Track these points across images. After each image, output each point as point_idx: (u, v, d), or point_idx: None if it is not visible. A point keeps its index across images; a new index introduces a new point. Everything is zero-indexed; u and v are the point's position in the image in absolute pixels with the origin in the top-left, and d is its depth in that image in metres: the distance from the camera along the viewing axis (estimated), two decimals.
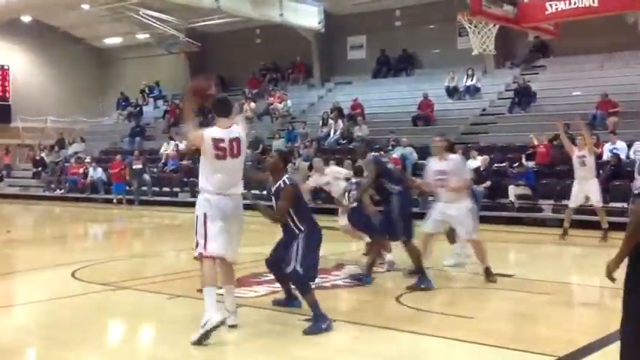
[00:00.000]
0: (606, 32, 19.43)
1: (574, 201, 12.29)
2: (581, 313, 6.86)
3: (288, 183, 6.04)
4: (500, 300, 7.57)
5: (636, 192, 4.08)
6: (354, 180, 9.21)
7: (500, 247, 10.94)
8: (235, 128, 5.80)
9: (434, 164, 8.17)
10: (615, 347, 5.26)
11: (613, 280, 3.72)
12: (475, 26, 9.31)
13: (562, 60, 21.42)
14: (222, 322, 5.53)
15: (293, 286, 6.37)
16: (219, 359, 5.43)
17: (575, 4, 8.53)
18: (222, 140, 5.66)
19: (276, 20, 23.84)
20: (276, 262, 6.33)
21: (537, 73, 21.62)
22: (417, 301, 7.21)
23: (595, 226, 13.22)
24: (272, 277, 7.73)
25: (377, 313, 6.68)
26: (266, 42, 27.90)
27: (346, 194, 9.29)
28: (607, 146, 15.81)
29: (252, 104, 25.83)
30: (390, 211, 7.74)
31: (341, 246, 10.37)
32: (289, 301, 6.63)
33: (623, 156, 15.57)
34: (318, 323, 5.78)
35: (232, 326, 5.84)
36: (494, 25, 9.38)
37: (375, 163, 8.08)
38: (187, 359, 5.30)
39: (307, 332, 5.74)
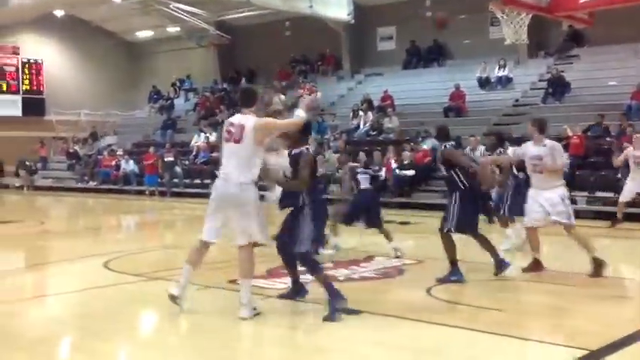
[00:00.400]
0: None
1: (626, 196, 12.61)
2: (615, 307, 6.72)
3: (309, 151, 6.11)
4: (532, 293, 7.47)
5: None
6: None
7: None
8: (249, 118, 5.92)
9: (530, 149, 8.06)
10: None
11: None
12: (507, 15, 9.15)
13: (596, 49, 21.01)
14: (174, 297, 5.98)
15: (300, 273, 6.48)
16: (241, 350, 5.45)
17: None
18: (233, 125, 5.95)
19: (306, 12, 23.79)
20: (284, 244, 6.28)
21: (572, 63, 21.26)
22: (448, 293, 7.17)
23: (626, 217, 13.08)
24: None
25: (405, 305, 6.63)
26: (295, 34, 27.87)
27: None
28: (638, 137, 15.43)
29: (282, 96, 25.81)
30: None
31: (369, 238, 10.32)
32: (295, 293, 6.58)
33: None
34: (333, 305, 5.80)
35: (242, 318, 5.84)
36: (527, 14, 9.19)
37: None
38: (212, 348, 5.31)
39: (326, 319, 5.75)
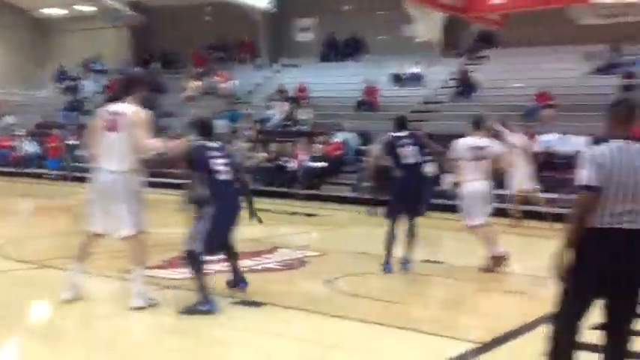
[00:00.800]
0: (547, 25, 19.78)
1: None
2: (508, 301, 6.96)
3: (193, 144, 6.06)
4: (430, 287, 7.64)
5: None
6: None
7: (433, 235, 11.01)
8: (127, 106, 5.84)
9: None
10: (539, 332, 5.40)
11: (560, 271, 3.73)
12: (422, 13, 9.27)
13: (505, 51, 21.67)
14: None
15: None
16: (133, 340, 5.29)
17: None
18: (112, 113, 5.87)
19: None
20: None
21: (481, 64, 21.88)
22: (349, 285, 7.23)
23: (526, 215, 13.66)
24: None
25: (307, 297, 6.64)
26: (214, 20, 27.37)
27: None
28: (540, 138, 16.12)
29: (197, 82, 25.41)
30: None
31: (275, 229, 10.30)
32: (237, 283, 6.48)
33: (557, 148, 15.92)
34: (197, 305, 5.73)
35: (136, 308, 5.75)
36: (441, 14, 9.35)
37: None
38: (100, 338, 5.14)
39: (182, 312, 5.72)
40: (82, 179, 20.52)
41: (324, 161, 17.49)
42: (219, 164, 5.97)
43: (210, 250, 5.96)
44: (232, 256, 6.41)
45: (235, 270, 6.49)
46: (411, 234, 7.89)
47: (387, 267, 7.78)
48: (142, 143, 5.77)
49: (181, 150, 5.98)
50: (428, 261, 8.49)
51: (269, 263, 8.12)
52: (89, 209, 5.98)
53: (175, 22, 27.57)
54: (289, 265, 8.15)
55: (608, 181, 3.63)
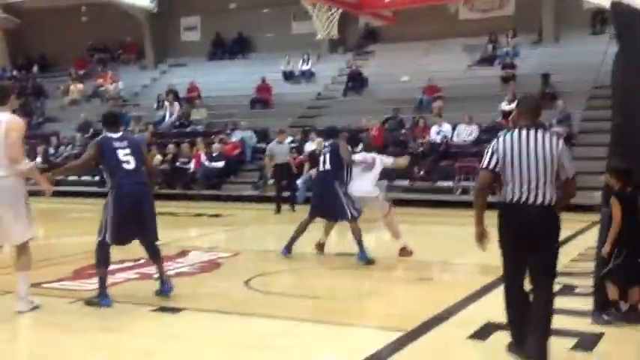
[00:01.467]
0: (429, 21, 20.57)
1: None
2: (422, 288, 7.21)
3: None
4: (344, 279, 7.78)
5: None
6: None
7: (342, 226, 11.23)
8: (4, 115, 5.77)
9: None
10: (459, 317, 5.66)
11: (483, 243, 4.53)
12: (319, 10, 9.42)
13: (390, 46, 22.33)
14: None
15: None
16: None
17: None
18: None
19: None
20: None
21: (368, 59, 22.42)
22: (265, 284, 7.25)
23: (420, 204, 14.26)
24: (113, 267, 7.52)
25: (226, 299, 6.58)
26: (93, 20, 26.44)
27: None
28: (434, 129, 16.77)
29: (80, 85, 24.47)
30: None
31: (182, 232, 10.14)
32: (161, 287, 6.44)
33: (449, 137, 16.60)
34: (99, 298, 6.06)
35: (20, 312, 5.80)
36: (337, 10, 9.57)
37: None
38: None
39: (86, 302, 6.10)
40: None
41: (223, 161, 17.35)
42: (122, 154, 6.11)
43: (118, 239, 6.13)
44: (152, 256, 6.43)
45: (160, 272, 6.46)
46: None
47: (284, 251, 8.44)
48: (14, 153, 5.67)
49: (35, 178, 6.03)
50: (341, 254, 8.67)
51: (181, 267, 7.97)
52: None
53: (53, 25, 26.38)
54: (202, 268, 8.05)
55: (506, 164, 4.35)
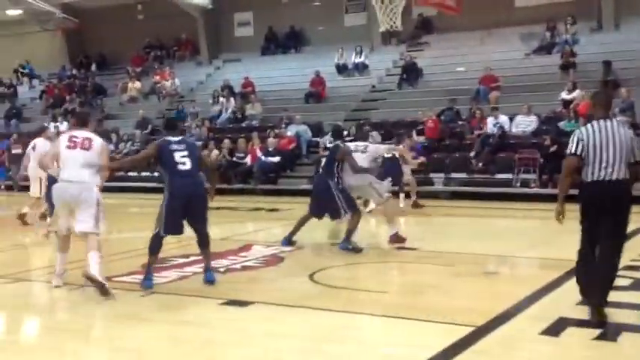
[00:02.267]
0: (485, 10, 20.24)
1: None
2: (487, 283, 7.14)
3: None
4: (408, 273, 7.77)
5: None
6: None
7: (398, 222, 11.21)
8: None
9: None
10: (530, 313, 5.58)
11: (561, 218, 5.50)
12: (382, 2, 9.38)
13: (444, 37, 22.07)
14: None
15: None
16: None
17: None
18: (76, 137, 6.75)
19: None
20: None
21: (422, 50, 22.19)
22: (329, 278, 7.28)
23: (478, 196, 14.09)
24: (181, 261, 7.75)
25: (291, 292, 6.64)
26: (149, 18, 26.88)
27: None
28: (490, 120, 16.50)
29: (137, 83, 24.95)
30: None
31: (242, 226, 10.26)
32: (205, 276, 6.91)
33: (506, 128, 16.32)
34: (145, 280, 6.67)
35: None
36: (401, 1, 9.51)
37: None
38: None
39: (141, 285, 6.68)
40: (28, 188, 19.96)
41: (279, 155, 17.47)
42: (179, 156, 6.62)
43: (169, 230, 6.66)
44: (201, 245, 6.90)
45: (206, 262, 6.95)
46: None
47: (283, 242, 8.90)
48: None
49: None
50: (401, 248, 8.66)
51: (247, 261, 8.09)
52: None
53: (110, 23, 26.94)
54: (267, 262, 8.14)
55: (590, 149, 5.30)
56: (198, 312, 5.96)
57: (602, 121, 5.36)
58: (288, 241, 8.95)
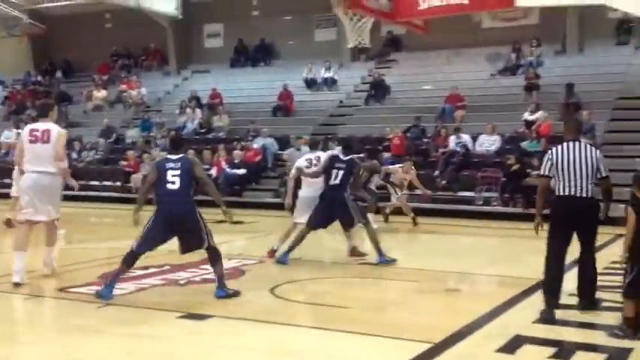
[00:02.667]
0: (453, 30, 20.51)
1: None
2: (448, 299, 7.19)
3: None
4: (370, 288, 7.78)
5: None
6: None
7: (361, 237, 11.21)
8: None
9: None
10: (487, 330, 5.63)
11: (537, 231, 6.14)
12: (351, 19, 9.46)
13: (412, 55, 22.32)
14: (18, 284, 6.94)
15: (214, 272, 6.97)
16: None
17: (447, 0, 8.89)
18: (37, 130, 7.36)
19: (130, 4, 22.87)
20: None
21: (390, 67, 22.41)
22: (291, 293, 7.26)
23: (441, 214, 14.18)
24: (139, 273, 7.64)
25: (253, 306, 6.60)
26: (117, 26, 26.72)
27: None
28: (452, 138, 16.69)
29: (103, 91, 24.70)
30: None
31: None
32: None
33: (470, 147, 16.53)
34: (108, 288, 6.60)
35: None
36: (370, 19, 9.58)
37: None
38: None
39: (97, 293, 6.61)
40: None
41: (244, 168, 17.41)
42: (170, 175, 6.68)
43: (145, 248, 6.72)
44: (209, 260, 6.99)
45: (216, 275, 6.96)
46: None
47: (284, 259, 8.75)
48: (62, 155, 7.54)
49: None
50: (364, 263, 8.68)
51: (208, 274, 7.97)
52: None
53: (77, 30, 26.69)
54: (228, 275, 8.02)
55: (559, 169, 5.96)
56: (156, 325, 5.87)
57: (571, 143, 6.03)
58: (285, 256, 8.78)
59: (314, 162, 9.17)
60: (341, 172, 8.58)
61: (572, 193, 5.90)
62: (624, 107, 16.69)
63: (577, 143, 6.02)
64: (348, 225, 8.81)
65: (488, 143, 16.57)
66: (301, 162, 9.33)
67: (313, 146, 10.07)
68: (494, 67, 20.44)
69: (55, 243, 7.76)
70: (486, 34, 21.41)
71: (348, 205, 8.59)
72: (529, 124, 16.77)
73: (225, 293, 6.76)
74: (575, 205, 5.93)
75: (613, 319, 5.70)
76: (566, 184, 5.92)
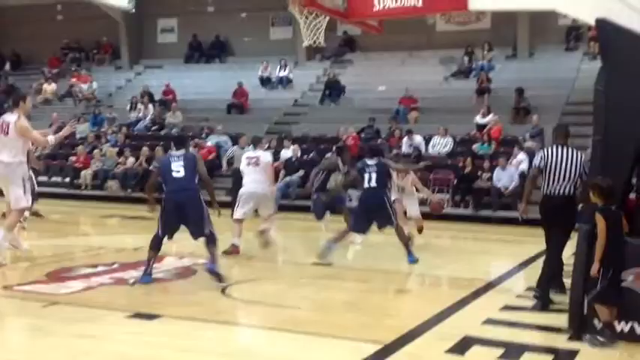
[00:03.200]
0: (407, 32, 20.68)
1: None
2: (400, 300, 7.24)
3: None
4: (322, 289, 7.77)
5: None
6: None
7: (313, 237, 11.23)
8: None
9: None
10: (437, 330, 5.68)
11: (522, 216, 6.88)
12: (306, 17, 9.42)
13: (367, 56, 22.44)
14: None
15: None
16: None
17: (401, 2, 8.94)
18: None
19: None
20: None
21: (346, 67, 22.48)
22: (243, 292, 7.21)
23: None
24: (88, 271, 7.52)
25: (204, 306, 6.52)
26: (69, 19, 26.12)
27: None
28: (405, 140, 16.83)
29: (53, 85, 24.14)
30: None
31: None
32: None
33: (422, 149, 16.69)
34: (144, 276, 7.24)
35: None
36: (325, 18, 9.57)
37: None
38: None
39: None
40: None
41: None
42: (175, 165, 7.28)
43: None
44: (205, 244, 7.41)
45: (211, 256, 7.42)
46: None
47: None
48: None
49: None
50: (317, 264, 8.67)
51: (159, 273, 7.87)
52: None
53: (27, 22, 25.97)
54: (178, 275, 7.97)
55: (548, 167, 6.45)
56: (103, 325, 5.74)
57: (560, 147, 6.55)
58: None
59: (252, 161, 9.45)
60: (374, 175, 8.88)
61: (552, 191, 6.43)
62: (573, 112, 17.08)
63: (565, 147, 6.53)
64: (386, 223, 8.96)
65: (440, 145, 16.77)
66: (243, 161, 9.66)
67: (255, 145, 10.12)
68: (447, 70, 20.70)
69: (12, 229, 8.02)
70: (440, 37, 21.67)
71: (388, 205, 8.88)
72: (481, 127, 17.04)
73: (215, 271, 7.29)
74: (552, 202, 6.43)
75: (560, 320, 5.80)
76: (550, 183, 6.44)
